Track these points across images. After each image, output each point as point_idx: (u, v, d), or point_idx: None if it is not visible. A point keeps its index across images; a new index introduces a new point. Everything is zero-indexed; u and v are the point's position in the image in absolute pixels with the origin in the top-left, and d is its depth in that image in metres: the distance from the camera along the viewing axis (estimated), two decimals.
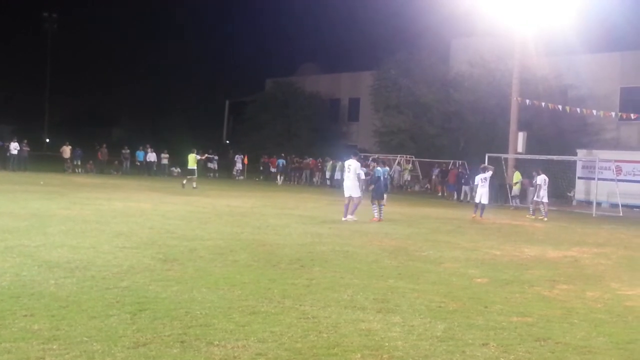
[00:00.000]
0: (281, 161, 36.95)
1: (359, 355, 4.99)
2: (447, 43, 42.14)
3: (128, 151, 37.21)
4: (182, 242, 10.49)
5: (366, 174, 17.33)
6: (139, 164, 37.13)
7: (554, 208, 23.42)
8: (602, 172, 25.77)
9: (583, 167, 28.52)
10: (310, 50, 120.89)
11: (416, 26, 76.97)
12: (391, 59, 40.86)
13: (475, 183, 19.05)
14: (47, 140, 62.23)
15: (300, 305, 6.49)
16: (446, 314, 6.46)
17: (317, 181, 36.60)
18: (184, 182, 26.26)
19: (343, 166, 18.15)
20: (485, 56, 34.19)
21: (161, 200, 19.39)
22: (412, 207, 22.58)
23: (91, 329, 5.31)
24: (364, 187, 16.69)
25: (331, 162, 35.34)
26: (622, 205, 24.43)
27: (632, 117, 27.69)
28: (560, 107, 27.73)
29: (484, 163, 23.07)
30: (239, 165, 39.49)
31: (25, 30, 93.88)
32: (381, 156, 31.55)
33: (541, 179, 20.36)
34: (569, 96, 33.25)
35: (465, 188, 27.55)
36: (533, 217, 20.24)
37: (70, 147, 35.99)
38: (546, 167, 23.93)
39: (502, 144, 28.74)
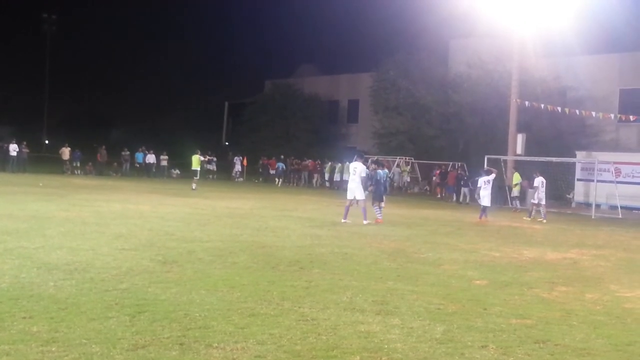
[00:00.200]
0: (281, 165, 36.77)
1: (358, 358, 4.99)
2: (446, 44, 42.03)
3: (128, 153, 37.06)
4: (181, 243, 10.48)
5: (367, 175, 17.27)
6: (138, 165, 37.09)
7: (553, 210, 23.42)
8: (601, 174, 25.74)
9: (582, 168, 28.50)
10: (309, 51, 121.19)
11: (415, 27, 77.28)
12: (390, 60, 40.84)
13: (479, 185, 18.97)
14: (47, 141, 62.19)
15: (299, 307, 6.49)
16: (445, 316, 6.46)
17: (316, 183, 36.58)
18: (194, 185, 26.09)
19: (343, 168, 18.15)
20: (483, 57, 34.15)
21: (160, 202, 19.38)
22: (411, 209, 22.58)
23: (90, 331, 5.30)
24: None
25: (330, 163, 35.34)
26: (621, 207, 24.42)
27: (631, 119, 27.66)
28: (559, 108, 27.74)
29: (484, 165, 23.06)
30: (238, 167, 39.45)
31: (24, 31, 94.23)
32: (380, 158, 31.58)
33: (538, 181, 20.34)
34: (567, 98, 33.25)
35: (464, 190, 27.51)
36: (530, 219, 20.22)
37: (69, 148, 35.90)
38: (545, 169, 23.90)
39: (501, 146, 28.72)
